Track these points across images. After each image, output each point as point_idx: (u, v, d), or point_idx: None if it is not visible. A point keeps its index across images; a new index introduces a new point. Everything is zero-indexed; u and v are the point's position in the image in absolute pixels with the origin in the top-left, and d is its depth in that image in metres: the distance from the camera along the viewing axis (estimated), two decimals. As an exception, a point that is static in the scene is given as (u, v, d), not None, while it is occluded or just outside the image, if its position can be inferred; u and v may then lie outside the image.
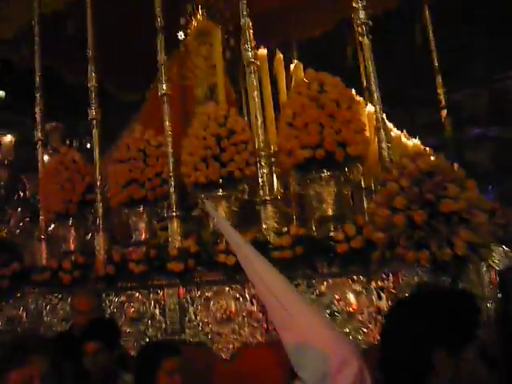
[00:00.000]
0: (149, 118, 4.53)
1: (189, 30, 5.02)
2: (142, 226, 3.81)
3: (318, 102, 2.99)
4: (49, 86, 4.69)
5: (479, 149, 8.08)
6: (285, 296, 1.51)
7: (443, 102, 5.17)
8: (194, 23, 4.99)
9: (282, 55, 4.14)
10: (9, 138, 5.01)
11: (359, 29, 3.17)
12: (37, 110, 4.61)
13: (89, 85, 4.28)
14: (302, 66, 3.96)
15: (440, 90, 5.21)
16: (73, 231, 4.19)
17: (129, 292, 3.69)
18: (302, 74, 3.70)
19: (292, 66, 4.13)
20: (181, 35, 4.95)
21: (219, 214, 3.04)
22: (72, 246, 4.19)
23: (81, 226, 4.23)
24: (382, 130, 3.04)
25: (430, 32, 5.21)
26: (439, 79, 5.23)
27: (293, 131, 3.03)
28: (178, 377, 2.52)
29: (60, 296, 4.15)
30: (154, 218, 3.85)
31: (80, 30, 4.45)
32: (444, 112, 5.15)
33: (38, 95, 4.64)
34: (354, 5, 3.18)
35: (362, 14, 3.15)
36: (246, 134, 3.45)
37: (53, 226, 4.36)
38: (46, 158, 5.23)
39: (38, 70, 4.68)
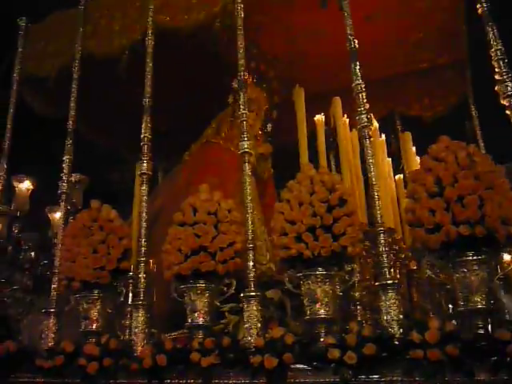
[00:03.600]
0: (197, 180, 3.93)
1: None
2: (201, 306, 3.04)
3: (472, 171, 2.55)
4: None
5: None
6: None
7: None
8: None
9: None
10: (26, 184, 4.15)
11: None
12: (65, 158, 3.89)
13: (142, 136, 3.68)
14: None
15: None
16: (98, 306, 3.33)
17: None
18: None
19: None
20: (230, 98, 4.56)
21: None
22: (95, 325, 3.30)
23: (107, 301, 3.38)
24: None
25: None
26: None
27: (441, 203, 2.53)
28: None
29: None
30: (217, 298, 3.11)
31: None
32: None
33: (68, 142, 3.95)
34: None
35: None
36: (354, 203, 2.92)
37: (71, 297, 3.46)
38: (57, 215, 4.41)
39: (72, 114, 4.03)
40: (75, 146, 3.99)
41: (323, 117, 3.81)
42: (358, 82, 3.16)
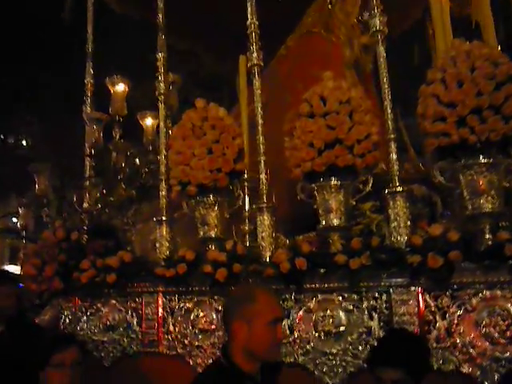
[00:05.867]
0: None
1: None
2: (336, 205, 2.74)
3: None
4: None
5: None
6: None
7: None
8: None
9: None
10: (121, 87, 3.87)
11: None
12: (159, 55, 3.54)
13: (248, 23, 3.27)
14: None
15: None
16: (216, 211, 3.09)
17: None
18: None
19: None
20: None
21: None
22: (213, 232, 3.08)
23: (225, 205, 3.13)
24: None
25: None
26: None
27: None
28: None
29: (195, 299, 3.06)
30: (352, 196, 2.80)
31: None
32: None
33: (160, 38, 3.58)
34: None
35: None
36: None
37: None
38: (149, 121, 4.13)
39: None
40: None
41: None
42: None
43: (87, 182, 3.85)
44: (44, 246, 3.68)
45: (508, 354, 2.23)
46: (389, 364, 1.93)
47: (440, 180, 2.55)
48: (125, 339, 3.33)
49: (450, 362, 2.34)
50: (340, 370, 2.57)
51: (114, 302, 3.44)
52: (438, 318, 2.39)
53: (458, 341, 2.34)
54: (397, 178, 2.65)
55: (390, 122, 2.75)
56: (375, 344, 2.35)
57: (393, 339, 2.15)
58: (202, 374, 1.90)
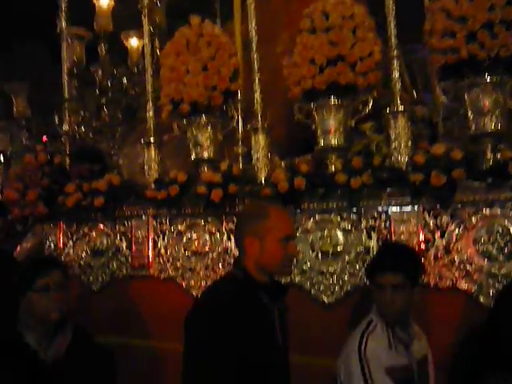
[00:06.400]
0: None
1: None
2: (335, 125, 2.67)
3: None
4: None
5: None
6: None
7: None
8: None
9: None
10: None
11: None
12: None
13: None
14: None
15: None
16: (209, 131, 2.99)
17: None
18: None
19: None
20: None
21: None
22: (206, 153, 3.00)
23: (218, 126, 3.03)
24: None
25: None
26: None
27: None
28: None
29: (187, 222, 3.01)
30: (351, 117, 2.73)
31: None
32: None
33: None
34: None
35: None
36: None
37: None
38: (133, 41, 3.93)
39: None
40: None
41: None
42: None
43: (67, 104, 3.67)
44: (26, 170, 3.55)
45: (505, 270, 2.27)
46: (389, 269, 1.98)
47: (443, 100, 2.51)
48: (114, 263, 3.30)
49: (446, 279, 2.38)
50: (337, 288, 2.59)
51: (101, 226, 3.38)
52: (436, 236, 2.40)
53: (455, 258, 2.36)
54: (398, 97, 2.58)
55: (393, 39, 2.65)
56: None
57: (391, 248, 2.24)
58: (216, 285, 1.84)
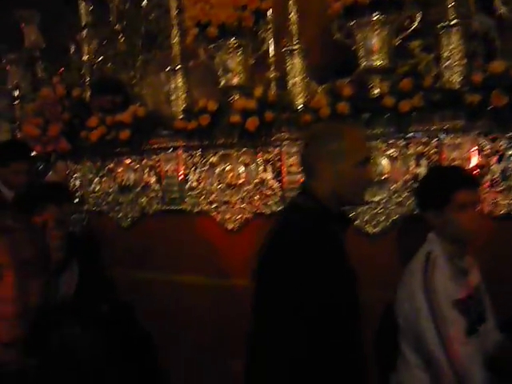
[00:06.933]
0: None
1: None
2: (378, 44, 2.46)
3: None
4: None
5: None
6: None
7: None
8: None
9: None
10: None
11: None
12: None
13: None
14: None
15: None
16: (239, 56, 2.79)
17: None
18: None
19: None
20: None
21: None
22: (236, 79, 2.81)
23: (248, 49, 2.82)
24: None
25: None
26: None
27: None
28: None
29: (220, 153, 2.87)
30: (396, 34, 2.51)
31: None
32: None
33: None
34: None
35: None
36: None
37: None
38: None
39: None
40: None
41: None
42: None
43: (84, 32, 3.45)
44: (45, 104, 3.38)
45: None
46: (470, 186, 1.88)
47: (503, 11, 2.28)
48: (143, 199, 3.19)
49: (502, 206, 2.24)
50: (383, 218, 2.47)
51: (127, 161, 3.25)
52: (492, 161, 2.25)
53: (513, 184, 2.22)
54: (452, 10, 2.35)
55: None
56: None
57: (454, 168, 2.14)
58: (288, 219, 1.66)
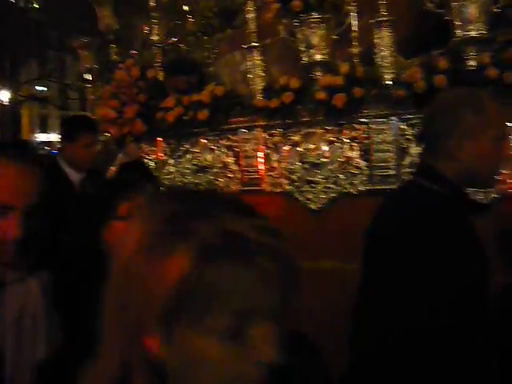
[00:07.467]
0: None
1: None
2: (476, 12, 2.33)
3: None
4: None
5: None
6: None
7: None
8: None
9: None
10: None
11: None
12: None
13: None
14: None
15: None
16: (323, 30, 2.71)
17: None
18: None
19: None
20: None
21: None
22: (320, 55, 2.73)
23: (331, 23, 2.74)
24: None
25: None
26: None
27: None
28: None
29: (303, 131, 2.81)
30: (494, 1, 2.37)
31: None
32: None
33: None
34: None
35: None
36: None
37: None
38: None
39: None
40: None
41: None
42: None
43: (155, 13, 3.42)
44: (119, 87, 3.39)
45: None
46: None
47: None
48: (221, 179, 3.17)
49: None
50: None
51: (204, 141, 3.22)
52: None
53: None
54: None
55: None
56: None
57: None
58: (411, 204, 1.44)
